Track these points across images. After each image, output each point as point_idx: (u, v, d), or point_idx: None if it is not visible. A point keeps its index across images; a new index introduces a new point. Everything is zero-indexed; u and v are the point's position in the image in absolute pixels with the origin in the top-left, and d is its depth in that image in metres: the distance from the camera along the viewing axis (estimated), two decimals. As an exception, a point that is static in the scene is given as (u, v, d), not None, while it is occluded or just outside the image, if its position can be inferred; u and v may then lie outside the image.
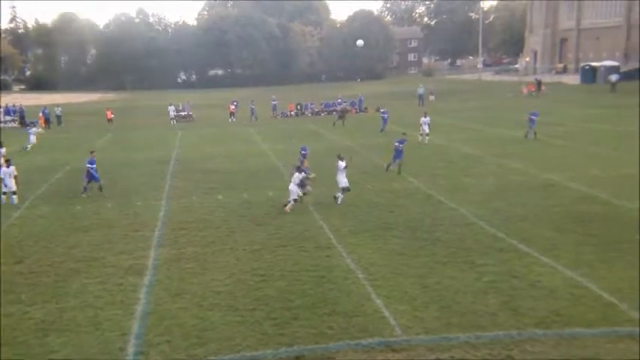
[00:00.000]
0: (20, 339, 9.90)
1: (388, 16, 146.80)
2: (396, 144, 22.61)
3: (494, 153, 26.57)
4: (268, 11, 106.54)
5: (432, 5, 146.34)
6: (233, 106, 49.17)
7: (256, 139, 35.56)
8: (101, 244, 14.91)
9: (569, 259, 12.77)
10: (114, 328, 10.24)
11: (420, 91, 55.93)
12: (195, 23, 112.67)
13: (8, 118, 46.66)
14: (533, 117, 30.52)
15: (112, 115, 46.38)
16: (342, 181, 18.40)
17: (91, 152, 21.58)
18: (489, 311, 10.39)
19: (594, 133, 31.28)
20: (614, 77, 60.10)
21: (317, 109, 52.18)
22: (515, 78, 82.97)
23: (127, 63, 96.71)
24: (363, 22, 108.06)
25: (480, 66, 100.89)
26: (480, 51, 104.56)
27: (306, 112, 51.57)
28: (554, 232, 14.73)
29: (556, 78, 78.60)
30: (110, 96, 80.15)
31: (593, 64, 72.59)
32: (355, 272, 12.56)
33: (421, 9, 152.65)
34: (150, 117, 51.38)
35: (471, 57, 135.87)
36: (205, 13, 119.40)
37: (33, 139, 34.45)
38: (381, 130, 35.66)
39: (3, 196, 19.55)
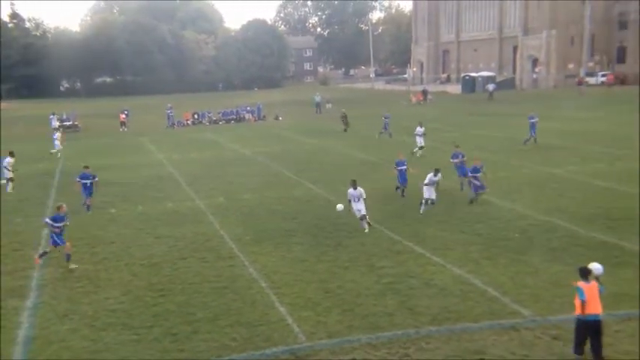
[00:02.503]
0: None
1: (282, 26, 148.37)
2: (400, 168, 19.86)
3: (387, 158, 27.70)
4: (158, 17, 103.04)
5: (324, 16, 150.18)
6: (124, 115, 46.91)
7: (151, 149, 34.20)
8: (-26, 267, 13.48)
9: (458, 257, 13.64)
10: (-7, 358, 9.30)
11: (317, 99, 57.12)
12: (78, 29, 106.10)
13: None
14: (532, 120, 29.68)
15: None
16: (428, 193, 17.50)
17: (85, 167, 19.72)
18: (388, 311, 10.79)
19: (476, 139, 33.82)
20: (491, 87, 65.45)
21: (215, 118, 51.30)
22: (404, 87, 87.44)
23: (1, 70, 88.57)
24: (257, 31, 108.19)
25: (372, 75, 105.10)
26: (372, 61, 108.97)
27: (204, 121, 50.51)
28: (444, 232, 15.66)
29: (441, 87, 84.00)
30: (-18, 104, 72.83)
31: (472, 74, 78.63)
32: (258, 281, 12.48)
33: (314, 19, 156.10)
34: (30, 128, 47.46)
35: (363, 67, 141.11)
36: (89, 18, 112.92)
37: (58, 144, 33.01)
38: (381, 134, 34.97)
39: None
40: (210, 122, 50.40)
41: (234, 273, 13.00)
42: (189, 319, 10.64)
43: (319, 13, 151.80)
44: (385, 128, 35.43)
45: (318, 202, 19.66)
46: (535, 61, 79.91)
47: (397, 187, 19.94)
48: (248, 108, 53.33)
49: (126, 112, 48.04)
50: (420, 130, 28.54)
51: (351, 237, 15.36)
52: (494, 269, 12.75)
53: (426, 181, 17.70)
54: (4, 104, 74.51)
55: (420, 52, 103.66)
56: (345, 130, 39.01)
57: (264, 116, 51.98)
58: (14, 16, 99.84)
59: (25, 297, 11.81)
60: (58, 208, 14.16)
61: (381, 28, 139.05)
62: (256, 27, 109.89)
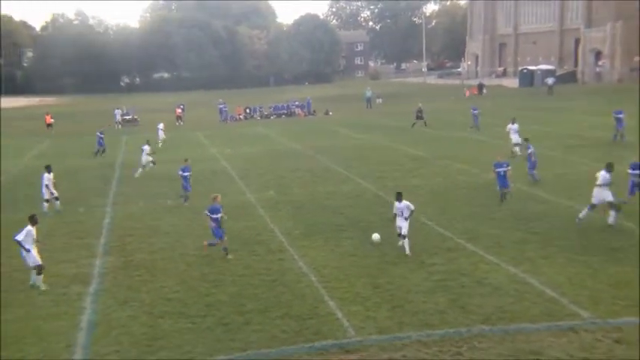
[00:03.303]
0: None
1: (334, 20, 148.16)
2: (499, 170, 17.94)
3: (439, 154, 27.30)
4: (213, 14, 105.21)
5: (377, 10, 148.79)
6: (180, 110, 48.26)
7: (205, 143, 35.06)
8: (42, 253, 14.22)
9: (513, 255, 13.29)
10: (59, 340, 9.85)
11: (368, 94, 56.79)
12: (137, 26, 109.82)
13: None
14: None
15: (52, 120, 44.48)
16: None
17: (185, 160, 20.23)
18: (439, 309, 10.67)
19: (532, 135, 32.70)
20: (550, 80, 63.03)
21: (266, 113, 51.99)
22: (457, 81, 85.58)
23: (67, 66, 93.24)
24: (309, 25, 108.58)
25: (424, 70, 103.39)
26: (424, 55, 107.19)
27: (255, 116, 51.29)
28: (498, 230, 15.29)
29: (496, 81, 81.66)
30: (50, 100, 76.85)
31: (531, 67, 75.93)
32: (308, 275, 12.61)
33: (366, 13, 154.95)
34: (92, 121, 49.61)
35: (415, 61, 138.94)
36: (148, 15, 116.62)
37: (162, 134, 34.26)
38: (472, 127, 34.01)
39: (46, 204, 18.32)
40: (261, 117, 51.13)
41: (283, 266, 13.19)
42: (240, 310, 10.89)
43: (371, 7, 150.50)
44: (475, 121, 34.39)
45: (367, 197, 19.62)
46: (598, 54, 76.30)
47: (502, 194, 17.96)
48: (297, 103, 53.74)
49: (181, 107, 49.41)
50: (513, 126, 26.30)
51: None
52: (551, 269, 12.36)
53: None
54: (68, 99, 78.28)
55: (475, 45, 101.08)
56: (424, 124, 37.62)
57: (314, 111, 52.22)
58: (79, 13, 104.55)
59: (88, 284, 12.40)
60: (214, 198, 13.99)
61: (434, 21, 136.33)
62: (308, 22, 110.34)
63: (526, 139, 21.79)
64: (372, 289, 11.71)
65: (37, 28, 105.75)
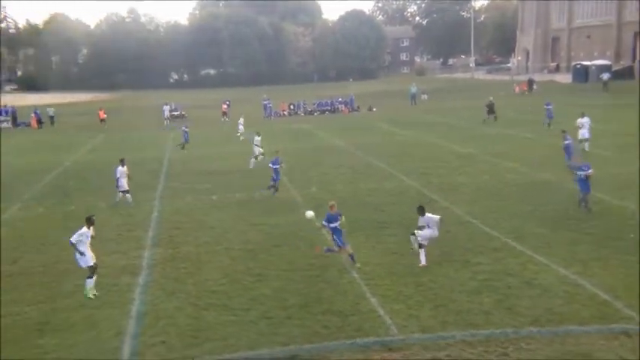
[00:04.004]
0: (17, 339, 9.83)
1: (380, 16, 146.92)
2: (580, 173, 16.19)
3: (486, 152, 26.68)
4: (260, 11, 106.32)
5: (424, 5, 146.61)
6: (225, 106, 49.06)
7: (250, 139, 35.48)
8: (95, 244, 14.74)
9: (563, 256, 12.86)
10: (110, 328, 10.20)
11: (413, 90, 56.09)
12: (187, 23, 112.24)
13: (1, 118, 46.42)
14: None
15: (105, 116, 46.13)
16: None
17: (276, 151, 20.87)
18: (484, 309, 10.44)
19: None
20: (605, 76, 60.45)
21: (309, 109, 52.19)
22: (507, 77, 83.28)
23: (119, 63, 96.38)
24: (354, 21, 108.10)
25: (472, 65, 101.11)
26: (472, 50, 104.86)
27: (299, 112, 51.56)
28: (547, 229, 14.82)
29: (548, 77, 78.97)
30: (103, 96, 79.68)
31: (585, 62, 72.97)
32: (350, 271, 12.58)
33: (412, 8, 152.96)
34: (142, 117, 51.18)
35: (463, 56, 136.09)
36: (197, 12, 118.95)
37: (242, 128, 35.01)
38: (549, 125, 32.56)
39: (120, 194, 19.05)
40: (305, 113, 51.36)
41: (325, 262, 13.20)
42: (283, 305, 10.98)
43: (418, 2, 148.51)
44: (550, 117, 32.94)
45: (410, 195, 19.40)
46: (660, 49, 72.58)
47: (582, 199, 16.37)
48: (340, 99, 53.69)
49: (227, 103, 50.22)
50: (583, 120, 25.30)
51: (445, 231, 14.95)
52: (604, 271, 11.90)
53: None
54: (119, 95, 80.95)
55: (526, 39, 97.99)
56: (494, 119, 36.78)
57: (357, 107, 52.02)
58: (131, 11, 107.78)
59: (137, 275, 12.79)
60: (330, 207, 13.14)
61: (483, 15, 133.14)
62: (353, 18, 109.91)
63: (563, 131, 21.82)
64: (415, 287, 11.57)
65: (92, 26, 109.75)
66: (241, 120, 36.11)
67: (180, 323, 10.33)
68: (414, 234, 12.85)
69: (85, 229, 11.69)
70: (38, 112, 47.17)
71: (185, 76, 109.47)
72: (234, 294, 11.57)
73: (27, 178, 23.80)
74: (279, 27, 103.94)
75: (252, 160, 25.08)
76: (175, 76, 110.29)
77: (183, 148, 31.36)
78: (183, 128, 32.67)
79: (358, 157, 27.18)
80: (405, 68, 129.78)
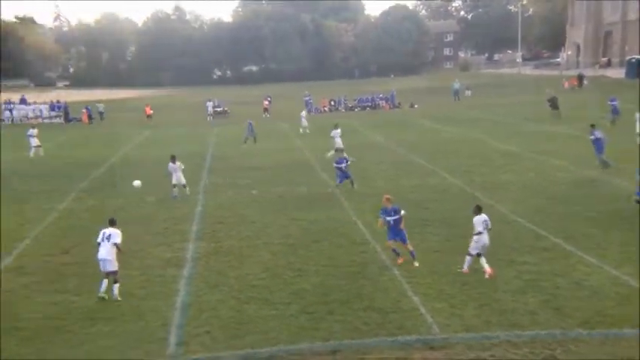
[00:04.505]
0: (68, 327, 10.22)
1: (423, 10, 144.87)
2: None
3: (532, 149, 25.95)
4: (302, 9, 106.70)
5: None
6: (267, 102, 49.52)
7: (289, 135, 35.74)
8: (142, 237, 15.25)
9: (614, 257, 12.38)
10: (156, 319, 10.48)
11: (456, 85, 55.09)
12: (230, 20, 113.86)
13: (53, 113, 48.41)
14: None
15: (151, 112, 47.39)
16: None
17: (339, 151, 21.13)
18: (530, 310, 10.18)
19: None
20: (660, 71, 57.74)
21: (350, 105, 52.05)
22: (555, 72, 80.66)
23: (165, 60, 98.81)
24: (397, 16, 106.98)
25: (519, 60, 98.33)
26: (519, 45, 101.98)
27: (340, 108, 51.50)
28: (598, 229, 14.30)
29: (600, 72, 76.02)
30: (149, 92, 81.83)
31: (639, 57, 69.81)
32: (391, 269, 12.49)
33: (457, 3, 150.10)
34: (186, 113, 52.26)
35: (509, 51, 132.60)
36: (240, 10, 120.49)
37: (304, 121, 35.37)
38: (612, 122, 30.77)
39: (174, 189, 19.58)
40: (346, 109, 51.26)
41: (366, 259, 13.16)
42: (324, 300, 11.01)
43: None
44: (615, 113, 31.28)
45: (453, 192, 19.10)
46: None
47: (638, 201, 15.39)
48: (381, 95, 53.31)
49: (269, 99, 50.68)
50: None
51: (489, 229, 14.65)
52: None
53: None
54: (165, 91, 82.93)
55: (576, 33, 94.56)
56: (559, 116, 35.61)
57: (399, 103, 51.54)
58: (177, 9, 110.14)
59: (182, 267, 13.07)
60: (387, 199, 12.83)
61: (531, 9, 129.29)
62: (396, 12, 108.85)
63: (592, 125, 21.35)
64: (458, 286, 11.39)
65: (139, 24, 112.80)
66: (304, 113, 36.66)
67: (223, 315, 10.51)
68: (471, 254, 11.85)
69: (110, 229, 11.57)
70: (89, 107, 48.90)
71: (228, 72, 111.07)
72: (274, 288, 11.68)
73: (78, 172, 24.69)
74: (321, 23, 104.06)
75: (332, 152, 25.19)
76: (218, 73, 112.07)
77: (245, 142, 31.67)
78: (249, 121, 32.94)
79: (399, 154, 26.94)
80: (449, 64, 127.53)
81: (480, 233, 11.79)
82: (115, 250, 11.34)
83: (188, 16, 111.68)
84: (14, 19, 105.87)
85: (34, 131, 29.89)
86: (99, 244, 11.42)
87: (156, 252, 14.05)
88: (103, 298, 11.19)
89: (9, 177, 23.64)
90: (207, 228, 16.05)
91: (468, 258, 11.98)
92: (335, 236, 14.89)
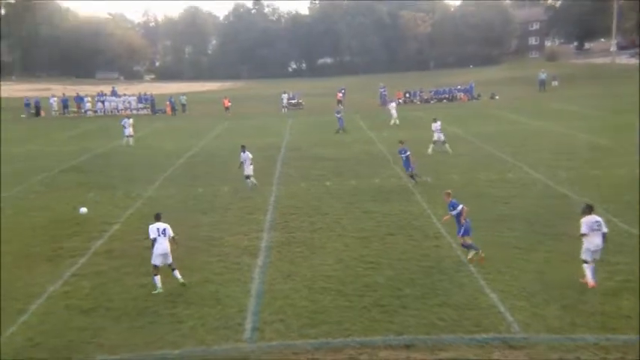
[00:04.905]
0: (152, 309, 10.74)
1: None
2: None
3: (624, 143, 24.17)
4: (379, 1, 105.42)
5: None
6: (340, 94, 49.50)
7: (362, 126, 35.53)
8: (219, 225, 15.75)
9: None
10: (233, 304, 10.77)
11: (542, 76, 52.47)
12: (307, 13, 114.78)
13: (141, 105, 51.10)
14: None
15: (229, 104, 48.83)
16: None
17: (401, 142, 20.29)
18: (622, 313, 9.54)
19: None
20: None
21: (426, 97, 50.94)
22: (654, 61, 74.51)
23: (244, 53, 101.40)
24: (478, 5, 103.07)
25: (613, 49, 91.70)
26: (614, 32, 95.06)
27: (415, 100, 50.55)
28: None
29: None
30: (227, 85, 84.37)
31: None
32: (467, 264, 12.11)
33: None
34: (262, 105, 53.37)
35: (602, 39, 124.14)
36: (317, 2, 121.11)
37: (394, 112, 36.01)
38: None
39: (248, 180, 20.04)
40: (421, 101, 50.25)
41: (440, 254, 12.84)
42: (397, 294, 10.85)
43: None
44: None
45: (535, 187, 18.20)
46: None
47: None
48: (459, 87, 51.74)
49: (342, 91, 50.64)
50: None
51: (573, 227, 13.81)
52: None
53: None
54: (243, 84, 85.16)
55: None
56: None
57: (478, 95, 49.81)
58: (257, 2, 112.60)
59: (256, 256, 13.35)
60: (447, 194, 12.88)
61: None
62: (478, 1, 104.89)
63: None
64: (539, 285, 10.85)
65: (221, 18, 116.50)
66: (393, 104, 36.53)
67: (296, 304, 10.63)
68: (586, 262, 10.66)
69: (156, 224, 11.72)
70: (172, 100, 51.19)
71: (303, 65, 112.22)
72: (347, 280, 11.65)
73: (162, 161, 25.91)
74: (397, 15, 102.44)
75: (445, 146, 24.92)
76: (294, 66, 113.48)
77: (337, 132, 31.99)
78: (337, 115, 33.10)
79: (477, 147, 26.03)
80: (534, 53, 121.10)
81: (584, 235, 10.60)
82: (171, 242, 11.61)
83: (267, 10, 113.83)
84: (107, 16, 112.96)
85: (129, 121, 31.66)
86: (154, 239, 11.52)
87: (233, 240, 14.44)
88: (184, 284, 11.59)
89: (102, 165, 25.23)
90: (280, 218, 16.30)
91: (584, 266, 10.67)
92: (408, 230, 14.65)
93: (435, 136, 25.13)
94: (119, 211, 17.49)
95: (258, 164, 24.74)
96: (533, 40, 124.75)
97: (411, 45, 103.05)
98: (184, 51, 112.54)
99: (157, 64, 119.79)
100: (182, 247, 13.98)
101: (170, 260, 11.66)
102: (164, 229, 11.66)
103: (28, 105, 49.93)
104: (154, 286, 11.44)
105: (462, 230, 12.40)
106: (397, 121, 35.32)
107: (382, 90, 50.32)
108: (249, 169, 19.85)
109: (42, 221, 16.62)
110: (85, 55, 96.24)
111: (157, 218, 11.92)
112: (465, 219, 12.36)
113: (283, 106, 48.97)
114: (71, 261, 13.28)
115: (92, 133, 37.25)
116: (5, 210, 17.92)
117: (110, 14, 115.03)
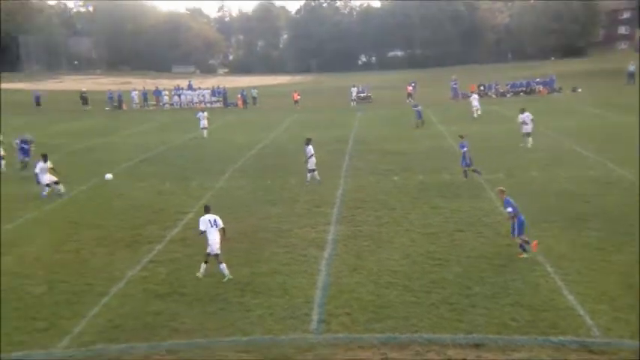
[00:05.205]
0: (222, 296, 11.05)
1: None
2: None
3: None
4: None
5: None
6: (411, 88, 48.71)
7: (432, 120, 34.76)
8: (287, 217, 15.94)
9: None
10: (299, 295, 10.89)
11: (631, 68, 49.13)
12: (379, 6, 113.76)
13: (214, 98, 52.80)
14: None
15: (299, 97, 49.35)
16: None
17: (461, 136, 20.21)
18: None
19: None
20: None
21: (502, 90, 49.05)
22: None
23: (314, 46, 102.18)
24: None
25: None
26: None
27: (490, 93, 48.81)
28: None
29: None
30: (298, 78, 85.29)
31: None
32: (543, 264, 11.57)
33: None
34: (331, 98, 53.51)
35: None
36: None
37: (477, 103, 35.45)
38: None
39: (310, 174, 20.15)
40: (496, 95, 48.48)
41: (512, 252, 12.33)
42: (466, 292, 10.55)
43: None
44: None
45: (621, 186, 17.09)
46: None
47: None
48: (538, 80, 49.40)
49: (413, 85, 49.80)
50: None
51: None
52: None
53: None
54: (312, 77, 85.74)
55: None
56: None
57: (560, 88, 47.34)
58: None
59: (323, 248, 13.41)
60: (501, 192, 12.73)
61: None
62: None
63: None
64: (623, 288, 10.21)
65: (293, 12, 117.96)
66: (475, 96, 35.88)
67: (362, 298, 10.58)
68: None
69: (206, 216, 11.89)
70: (244, 93, 52.46)
71: (373, 58, 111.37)
72: (414, 275, 11.46)
73: (234, 153, 26.61)
74: (474, 6, 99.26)
75: (529, 139, 24.28)
76: (364, 59, 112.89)
77: (418, 127, 31.72)
78: (416, 108, 32.83)
79: (557, 142, 24.79)
80: (623, 44, 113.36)
81: None
82: (220, 233, 11.78)
83: (338, 3, 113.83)
84: (185, 11, 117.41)
85: (204, 114, 32.83)
86: (203, 231, 11.74)
87: (301, 232, 14.58)
88: (229, 279, 11.55)
89: (178, 157, 26.29)
90: (346, 212, 16.27)
91: None
92: (478, 226, 14.20)
93: (524, 129, 24.16)
94: (193, 201, 18.11)
95: (326, 157, 24.95)
96: (622, 30, 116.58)
97: (488, 36, 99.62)
98: (257, 45, 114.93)
99: (231, 57, 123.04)
100: (251, 238, 14.36)
101: (219, 251, 11.79)
102: (215, 220, 11.91)
103: (111, 98, 52.84)
104: (223, 275, 11.72)
105: (515, 230, 11.98)
106: (479, 112, 34.51)
107: (453, 83, 48.99)
108: (312, 163, 19.89)
109: (123, 208, 17.55)
110: (164, 49, 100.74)
111: (207, 210, 12.19)
112: (514, 217, 11.92)
113: (352, 100, 48.84)
114: (148, 247, 13.90)
115: (169, 125, 38.86)
116: (94, 197, 19.09)
117: (188, 9, 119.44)
